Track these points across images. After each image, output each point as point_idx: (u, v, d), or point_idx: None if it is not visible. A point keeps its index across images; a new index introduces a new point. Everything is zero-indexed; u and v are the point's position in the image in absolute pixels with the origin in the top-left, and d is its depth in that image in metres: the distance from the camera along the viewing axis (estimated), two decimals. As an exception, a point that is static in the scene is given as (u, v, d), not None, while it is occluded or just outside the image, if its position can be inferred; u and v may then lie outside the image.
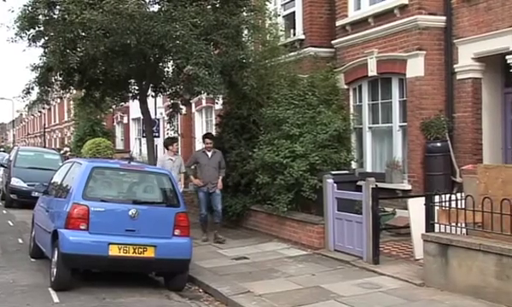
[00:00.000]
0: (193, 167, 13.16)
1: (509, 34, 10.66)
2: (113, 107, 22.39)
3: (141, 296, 8.65)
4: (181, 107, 16.54)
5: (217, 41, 12.89)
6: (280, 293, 8.37)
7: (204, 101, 22.03)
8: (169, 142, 13.10)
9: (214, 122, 19.82)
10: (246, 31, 14.07)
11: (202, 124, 23.77)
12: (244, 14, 13.64)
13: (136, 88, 15.10)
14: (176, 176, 11.65)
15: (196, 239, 11.38)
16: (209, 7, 13.16)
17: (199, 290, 9.26)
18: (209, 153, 12.72)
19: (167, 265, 8.89)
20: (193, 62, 11.79)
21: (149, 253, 8.66)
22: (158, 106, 24.20)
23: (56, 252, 8.66)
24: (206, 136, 13.31)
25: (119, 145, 34.79)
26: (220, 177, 12.67)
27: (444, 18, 12.03)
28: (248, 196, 13.57)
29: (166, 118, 16.56)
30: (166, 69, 14.90)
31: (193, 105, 22.61)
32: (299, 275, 9.44)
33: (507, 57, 10.76)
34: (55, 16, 12.83)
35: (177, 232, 8.96)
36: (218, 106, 18.62)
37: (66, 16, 11.97)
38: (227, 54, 12.93)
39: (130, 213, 8.69)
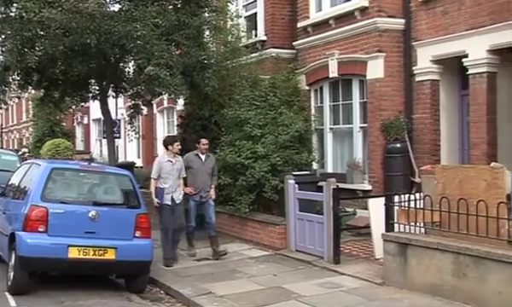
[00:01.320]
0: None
1: (465, 38, 10.88)
2: (73, 107, 22.05)
3: (101, 298, 8.55)
4: (142, 107, 16.43)
5: (178, 41, 12.84)
6: (242, 294, 8.38)
7: (165, 102, 21.90)
8: (170, 141, 10.80)
9: (176, 123, 19.71)
10: (207, 32, 14.05)
11: (164, 125, 23.62)
12: (206, 14, 13.63)
13: (97, 88, 14.94)
14: (175, 181, 10.42)
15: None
16: (170, 7, 13.10)
17: (160, 292, 9.20)
18: (203, 157, 11.03)
19: (128, 267, 8.81)
20: (154, 63, 11.72)
21: (110, 255, 8.56)
22: (119, 106, 23.96)
23: (14, 256, 8.50)
24: (203, 136, 11.71)
25: (80, 146, 34.31)
26: (213, 185, 11.13)
27: (403, 21, 12.22)
28: (211, 197, 13.52)
29: (127, 118, 16.40)
30: (127, 69, 14.79)
31: (154, 106, 22.45)
32: (261, 275, 9.46)
33: (463, 60, 10.98)
34: (13, 14, 12.60)
35: (137, 233, 8.88)
36: (180, 106, 18.54)
37: (24, 14, 11.75)
38: (188, 54, 12.89)
39: (90, 215, 8.58)
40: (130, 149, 26.44)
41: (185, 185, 10.77)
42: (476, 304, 7.05)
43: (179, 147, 10.72)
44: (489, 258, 6.91)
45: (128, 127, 16.55)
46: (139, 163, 23.77)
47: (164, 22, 12.30)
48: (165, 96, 17.85)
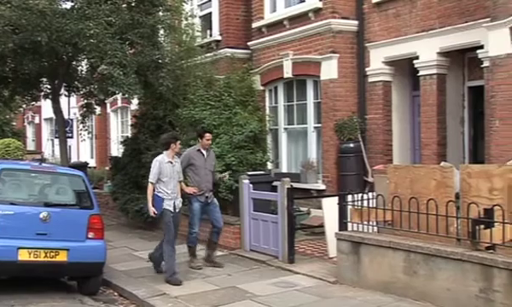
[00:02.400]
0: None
1: (416, 40, 11.12)
2: (24, 106, 21.61)
3: (52, 301, 8.39)
4: (95, 107, 16.18)
5: (132, 40, 12.71)
6: (196, 294, 8.34)
7: (119, 102, 21.64)
8: (171, 140, 9.34)
9: (130, 123, 19.51)
10: (162, 31, 13.94)
11: (118, 125, 23.33)
12: (160, 13, 13.51)
13: (49, 87, 14.65)
14: (176, 185, 9.25)
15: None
16: (124, 5, 12.93)
17: (113, 293, 9.08)
18: (205, 153, 9.90)
19: (80, 269, 8.65)
20: (107, 62, 11.58)
21: (62, 257, 8.40)
22: (71, 105, 23.54)
23: (-39, 259, 8.25)
24: (206, 130, 10.21)
25: (31, 146, 33.51)
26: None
27: (356, 22, 12.39)
28: (164, 197, 13.43)
29: (80, 118, 16.14)
30: (80, 68, 14.55)
31: (108, 105, 22.15)
32: (216, 275, 9.44)
33: (414, 62, 11.22)
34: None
35: (90, 235, 8.74)
36: (134, 106, 18.34)
37: (-29, 11, 11.46)
38: (142, 53, 12.77)
39: (41, 216, 8.40)
40: (83, 149, 26.01)
41: (186, 184, 9.75)
42: (426, 301, 7.19)
43: (180, 146, 9.66)
44: (438, 256, 7.06)
45: (81, 127, 16.26)
46: (92, 163, 23.42)
47: (117, 21, 12.14)
48: (119, 96, 17.65)
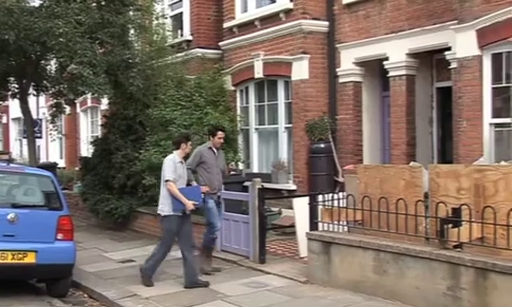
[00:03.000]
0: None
1: (386, 41, 11.24)
2: (-9, 106, 21.25)
3: (20, 304, 8.27)
4: (65, 106, 15.98)
5: (102, 40, 12.59)
6: (167, 295, 8.31)
7: (89, 101, 21.42)
8: (182, 139, 8.98)
9: (100, 122, 19.33)
10: (132, 31, 13.86)
11: (87, 125, 23.09)
12: (131, 13, 13.43)
13: (17, 86, 14.42)
14: (184, 185, 8.80)
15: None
16: (94, 4, 12.81)
17: (83, 295, 8.99)
18: (216, 152, 9.55)
19: (49, 271, 8.54)
20: (77, 61, 11.46)
21: (30, 259, 8.28)
22: (40, 105, 23.27)
23: None
24: (218, 127, 9.91)
25: (-2, 146, 33.06)
26: None
27: (327, 23, 12.46)
28: (135, 198, 13.38)
29: (49, 118, 15.94)
30: (49, 67, 14.36)
31: (77, 105, 21.92)
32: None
33: (384, 63, 11.33)
34: None
35: (59, 236, 8.63)
36: (104, 106, 18.19)
37: None
38: (113, 53, 12.67)
39: (8, 217, 8.26)
40: (52, 149, 25.69)
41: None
42: (396, 299, 7.27)
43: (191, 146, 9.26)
44: (407, 255, 7.14)
45: (50, 126, 16.05)
46: (62, 163, 23.15)
47: (87, 20, 12.02)
48: (89, 96, 17.43)
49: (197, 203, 8.66)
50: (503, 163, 7.71)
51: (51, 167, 16.57)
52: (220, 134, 9.54)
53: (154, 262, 8.95)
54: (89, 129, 22.84)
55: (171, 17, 16.18)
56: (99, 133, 17.85)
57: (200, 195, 8.79)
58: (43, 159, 24.24)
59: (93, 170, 14.75)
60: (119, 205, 13.50)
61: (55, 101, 15.49)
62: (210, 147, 9.50)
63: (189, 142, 8.99)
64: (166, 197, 8.60)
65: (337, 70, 12.37)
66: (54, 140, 20.42)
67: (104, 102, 17.49)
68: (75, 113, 23.11)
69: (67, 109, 17.37)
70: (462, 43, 9.21)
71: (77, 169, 18.61)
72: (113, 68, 12.74)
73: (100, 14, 12.38)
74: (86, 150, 20.21)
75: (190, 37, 15.35)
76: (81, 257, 9.89)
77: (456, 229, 6.74)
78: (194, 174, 9.32)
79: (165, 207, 8.65)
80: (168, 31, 15.12)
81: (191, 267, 8.77)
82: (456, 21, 9.40)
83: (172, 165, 8.63)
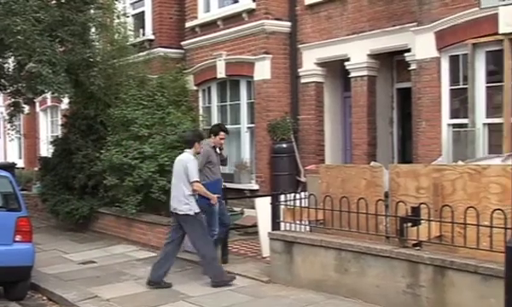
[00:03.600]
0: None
1: (347, 42, 11.35)
2: None
3: (-24, 307, 8.12)
4: (23, 106, 15.68)
5: (62, 38, 12.38)
6: (128, 296, 8.24)
7: (49, 101, 21.10)
8: (195, 138, 8.90)
9: (60, 122, 19.05)
10: (93, 29, 13.68)
11: (47, 125, 22.75)
12: (91, 11, 13.25)
13: (-28, 85, 14.11)
14: (187, 186, 8.53)
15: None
16: (53, 2, 12.62)
17: (42, 298, 8.84)
18: (217, 151, 9.54)
19: (7, 273, 8.35)
20: (36, 59, 11.24)
21: (-13, 261, 8.12)
22: (-2, 104, 22.83)
23: None
24: (222, 128, 9.82)
25: (-46, 146, 32.28)
26: None
27: (289, 23, 12.52)
28: (96, 198, 13.23)
29: (7, 117, 15.61)
30: (6, 65, 14.06)
31: (37, 104, 21.57)
32: (149, 277, 9.34)
33: (346, 63, 11.45)
34: None
35: (18, 238, 8.46)
36: (65, 105, 17.93)
37: None
38: (73, 52, 12.48)
39: (-36, 219, 8.09)
40: (10, 149, 25.23)
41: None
42: (357, 298, 7.35)
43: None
44: (368, 253, 7.23)
45: (8, 126, 15.73)
46: (20, 164, 22.73)
47: (46, 17, 11.80)
48: (49, 95, 17.17)
49: (220, 195, 8.89)
50: (460, 162, 7.87)
51: (9, 167, 16.20)
52: (222, 134, 9.52)
53: (208, 263, 8.60)
54: (49, 128, 22.50)
55: (132, 16, 16.04)
56: (59, 133, 17.59)
57: (220, 188, 9.05)
58: (0, 159, 23.78)
59: (53, 171, 14.53)
60: (80, 205, 13.33)
61: (13, 100, 15.19)
62: (213, 147, 9.42)
63: (202, 142, 8.96)
64: (190, 196, 8.50)
65: (299, 70, 12.44)
66: (12, 140, 20.03)
67: (64, 102, 17.23)
68: (34, 113, 22.74)
69: (26, 108, 17.04)
70: (421, 45, 9.37)
71: (36, 169, 18.31)
72: (74, 67, 12.56)
73: (60, 12, 12.18)
74: (46, 150, 19.90)
75: (152, 37, 15.25)
76: (40, 258, 9.74)
77: (416, 228, 6.84)
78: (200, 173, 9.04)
79: (192, 206, 8.51)
80: (130, 30, 14.99)
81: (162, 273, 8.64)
82: (415, 23, 9.55)
83: (196, 166, 8.59)
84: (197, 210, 8.54)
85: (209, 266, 8.59)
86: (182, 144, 12.12)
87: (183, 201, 8.52)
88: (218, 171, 9.39)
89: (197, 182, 8.51)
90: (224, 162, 9.76)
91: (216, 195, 8.83)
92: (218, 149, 9.47)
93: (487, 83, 8.72)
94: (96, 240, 12.71)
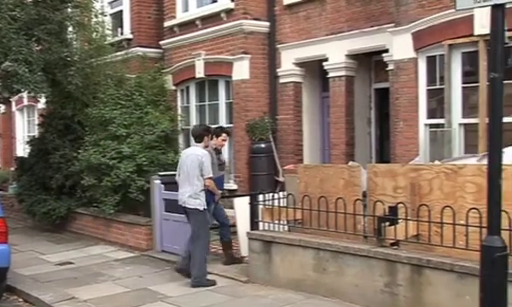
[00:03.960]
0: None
1: (326, 42, 11.40)
2: None
3: (-49, 310, 8.01)
4: (-1, 105, 15.56)
5: (39, 37, 12.25)
6: (106, 297, 8.19)
7: (25, 100, 20.89)
8: (206, 132, 9.07)
9: (37, 122, 18.87)
10: (70, 28, 13.57)
11: (24, 124, 22.52)
12: (69, 10, 13.13)
13: None
14: (201, 181, 8.53)
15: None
16: (30, 0, 12.49)
17: (18, 300, 8.74)
18: (219, 153, 9.74)
19: (-17, 275, 8.29)
20: (12, 58, 11.12)
21: (-38, 263, 8.01)
22: (-27, 103, 22.51)
23: None
24: (224, 129, 10.00)
25: None
26: None
27: (268, 23, 12.54)
28: (73, 199, 13.13)
29: (-18, 117, 15.47)
30: (-18, 64, 13.90)
31: (13, 103, 21.35)
32: (127, 277, 9.30)
33: (324, 63, 11.49)
34: None
35: (-7, 239, 8.38)
36: (41, 105, 17.77)
37: None
38: (50, 51, 12.35)
39: None
40: (-15, 149, 24.94)
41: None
42: (336, 297, 7.38)
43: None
44: (347, 253, 7.27)
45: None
46: (-4, 164, 22.52)
47: (22, 16, 11.67)
48: (25, 94, 17.01)
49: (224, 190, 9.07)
50: (437, 162, 7.95)
51: (-15, 168, 16.08)
52: (224, 136, 9.64)
53: (196, 263, 8.54)
54: (25, 128, 22.29)
55: (110, 15, 15.96)
56: (36, 132, 17.41)
57: (223, 183, 9.16)
58: (-24, 160, 23.49)
59: (29, 171, 14.38)
60: (57, 206, 13.22)
61: (-12, 99, 15.05)
62: (216, 148, 9.49)
63: (210, 136, 9.09)
64: (202, 191, 8.51)
65: (278, 70, 12.47)
66: (-13, 139, 19.82)
67: (41, 101, 17.07)
68: (10, 112, 22.52)
69: (2, 108, 16.90)
70: (399, 46, 9.44)
71: (12, 169, 18.11)
72: (51, 66, 12.43)
73: (36, 11, 12.05)
74: (22, 150, 19.67)
75: (131, 36, 15.17)
76: (16, 260, 9.64)
77: (393, 227, 6.89)
78: None
79: (202, 202, 8.53)
80: (108, 29, 14.91)
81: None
82: (393, 24, 9.63)
83: (210, 161, 8.58)
84: (205, 206, 8.58)
85: (196, 266, 8.55)
86: (159, 144, 12.17)
87: (194, 196, 8.51)
88: (216, 173, 9.19)
89: (210, 178, 8.55)
90: (221, 166, 9.73)
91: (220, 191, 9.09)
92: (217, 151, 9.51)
93: (463, 83, 8.82)
94: (74, 240, 12.62)
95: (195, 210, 8.53)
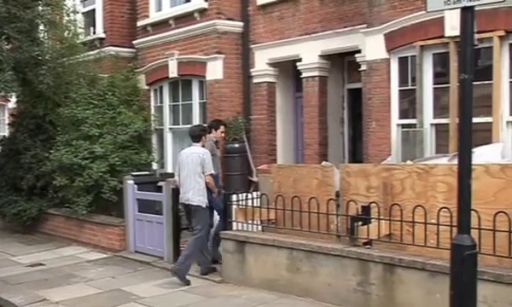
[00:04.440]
0: None
1: (299, 42, 11.43)
2: None
3: None
4: (-32, 104, 15.31)
5: (9, 35, 12.06)
6: (78, 299, 8.12)
7: (-5, 99, 20.59)
8: (204, 132, 9.44)
9: (7, 121, 18.61)
10: (42, 27, 13.41)
11: (-7, 124, 22.21)
12: (40, 8, 12.98)
13: None
14: (203, 178, 8.79)
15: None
16: (0, -2, 12.32)
17: (-13, 302, 8.65)
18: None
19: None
20: (-19, 57, 10.96)
21: None
22: None
23: None
24: (222, 122, 10.35)
25: None
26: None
27: (241, 23, 12.52)
28: (45, 199, 12.99)
29: (-49, 116, 15.21)
30: (-50, 63, 13.66)
31: (-17, 103, 21.03)
32: (99, 278, 9.25)
33: (297, 64, 11.52)
34: None
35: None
36: (12, 104, 17.53)
37: None
38: (20, 49, 12.17)
39: None
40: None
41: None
42: (309, 296, 7.42)
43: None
44: (320, 252, 7.31)
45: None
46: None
47: (-9, 14, 11.53)
48: (-5, 93, 16.77)
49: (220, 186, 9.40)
50: (408, 162, 8.03)
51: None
52: (223, 128, 10.08)
53: (187, 258, 8.73)
54: (-5, 128, 21.98)
55: (83, 14, 15.79)
56: (6, 132, 17.18)
57: (218, 181, 9.35)
58: None
59: (0, 171, 14.19)
60: (28, 206, 13.06)
61: (-43, 98, 14.80)
62: (216, 141, 9.85)
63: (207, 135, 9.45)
64: (203, 189, 8.78)
65: (251, 70, 12.47)
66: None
67: (12, 100, 16.86)
68: (-20, 112, 22.18)
69: (-29, 107, 16.63)
70: (371, 47, 9.52)
71: (-18, 170, 17.82)
72: (21, 65, 12.26)
73: (6, 8, 11.85)
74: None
75: (103, 35, 15.03)
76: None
77: (366, 227, 6.96)
78: None
79: (205, 199, 8.79)
80: (80, 28, 14.76)
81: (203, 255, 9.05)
82: (365, 25, 9.69)
83: (210, 158, 8.93)
84: (207, 203, 8.83)
85: (184, 256, 8.75)
86: (132, 144, 12.09)
87: (197, 193, 8.72)
88: (219, 165, 9.77)
89: (211, 175, 8.86)
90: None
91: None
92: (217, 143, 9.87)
93: (434, 84, 8.92)
94: (45, 241, 12.48)
95: (199, 207, 8.74)
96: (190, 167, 8.76)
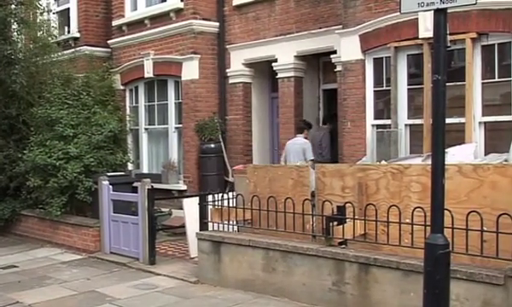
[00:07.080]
0: None
1: (275, 43, 11.47)
2: None
3: None
4: None
5: (-19, 34, 11.97)
6: (52, 301, 8.03)
7: (-33, 99, 20.26)
8: (307, 126, 11.01)
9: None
10: (14, 26, 13.26)
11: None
12: (12, 6, 12.84)
13: None
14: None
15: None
16: (-28, -4, 12.18)
17: (-43, 306, 8.51)
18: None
19: None
20: (-48, 56, 10.81)
21: None
22: None
23: None
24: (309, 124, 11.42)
25: None
26: None
27: (217, 24, 12.53)
28: (18, 200, 12.85)
29: None
30: None
31: (-46, 102, 20.65)
32: (74, 280, 9.16)
33: (273, 64, 11.56)
34: None
35: None
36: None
37: None
38: (-8, 48, 12.08)
39: None
40: None
41: None
42: (284, 296, 7.43)
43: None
44: (295, 252, 7.32)
45: None
46: None
47: (-37, 12, 11.39)
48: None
49: None
50: (383, 162, 8.09)
51: None
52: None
53: None
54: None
55: (57, 13, 15.66)
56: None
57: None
58: None
59: (-28, 172, 13.98)
60: (1, 208, 12.91)
61: None
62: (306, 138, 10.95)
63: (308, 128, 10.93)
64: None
65: (227, 71, 12.48)
66: None
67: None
68: (-48, 112, 21.79)
69: None
70: (347, 48, 9.58)
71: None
72: (-6, 64, 12.16)
73: (-23, 7, 11.76)
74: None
75: (78, 35, 14.92)
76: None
77: (341, 227, 6.98)
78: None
79: None
80: (54, 27, 14.63)
81: None
82: (341, 26, 9.75)
83: (311, 148, 10.49)
84: None
85: None
86: (107, 144, 11.99)
87: None
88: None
89: (312, 160, 10.07)
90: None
91: None
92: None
93: (409, 85, 9.01)
94: (18, 243, 12.34)
95: None
96: (295, 154, 10.29)
